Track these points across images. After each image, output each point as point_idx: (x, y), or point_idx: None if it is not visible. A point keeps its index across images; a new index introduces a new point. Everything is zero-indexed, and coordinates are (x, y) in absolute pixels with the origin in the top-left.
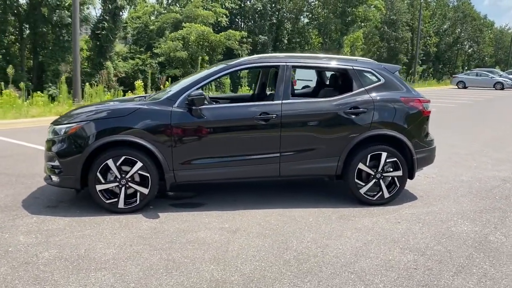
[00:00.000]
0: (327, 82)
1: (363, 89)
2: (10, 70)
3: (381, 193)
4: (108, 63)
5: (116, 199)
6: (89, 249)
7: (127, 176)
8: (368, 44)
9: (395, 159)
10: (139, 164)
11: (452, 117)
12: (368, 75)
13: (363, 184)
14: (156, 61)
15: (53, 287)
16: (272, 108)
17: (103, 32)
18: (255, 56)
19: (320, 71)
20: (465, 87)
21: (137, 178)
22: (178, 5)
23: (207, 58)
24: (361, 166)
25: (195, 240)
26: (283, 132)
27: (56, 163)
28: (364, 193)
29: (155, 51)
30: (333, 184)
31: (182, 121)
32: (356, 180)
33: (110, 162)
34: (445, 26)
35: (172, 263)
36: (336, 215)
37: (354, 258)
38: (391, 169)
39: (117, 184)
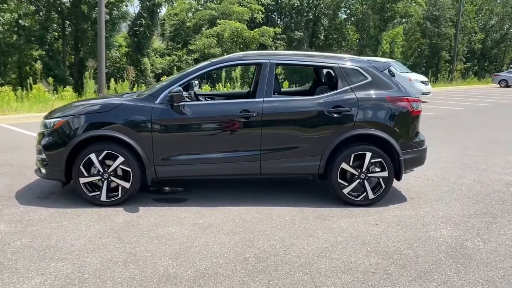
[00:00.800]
0: (323, 80)
1: (348, 87)
2: (38, 65)
3: (365, 193)
4: (145, 59)
5: (98, 192)
6: (60, 239)
7: (109, 170)
8: (408, 40)
9: (380, 159)
10: (120, 159)
11: (479, 117)
12: (355, 73)
13: (347, 184)
14: (192, 58)
15: (12, 274)
16: (253, 106)
17: (140, 29)
18: (239, 53)
19: (316, 69)
20: (507, 86)
21: (119, 172)
22: (214, 2)
23: None
24: (344, 166)
25: (164, 235)
26: (264, 130)
27: (43, 155)
28: (348, 193)
29: (190, 47)
30: (320, 184)
31: (162, 117)
32: (339, 180)
33: (92, 156)
34: (492, 22)
35: (132, 257)
36: (315, 215)
37: (315, 258)
38: (377, 170)
39: (99, 177)
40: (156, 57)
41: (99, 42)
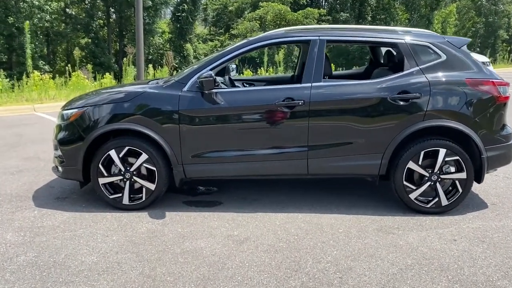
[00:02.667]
0: (382, 61)
1: (417, 68)
2: (76, 52)
3: (437, 199)
4: (188, 45)
5: (120, 194)
6: (70, 254)
7: (132, 169)
8: (462, 20)
9: (457, 157)
10: (144, 156)
11: None
12: (425, 50)
13: (414, 187)
14: (234, 43)
15: None
16: (299, 93)
17: (183, 14)
18: (281, 29)
19: (373, 48)
20: None
21: (143, 172)
22: None
23: None
24: (411, 165)
25: (191, 250)
26: (312, 121)
27: (59, 152)
28: (415, 198)
29: (232, 32)
30: (380, 187)
31: (191, 107)
32: (405, 183)
33: (112, 153)
34: None
35: (151, 282)
36: (375, 226)
37: None
38: (452, 170)
39: (121, 177)
40: (199, 43)
41: (137, 26)
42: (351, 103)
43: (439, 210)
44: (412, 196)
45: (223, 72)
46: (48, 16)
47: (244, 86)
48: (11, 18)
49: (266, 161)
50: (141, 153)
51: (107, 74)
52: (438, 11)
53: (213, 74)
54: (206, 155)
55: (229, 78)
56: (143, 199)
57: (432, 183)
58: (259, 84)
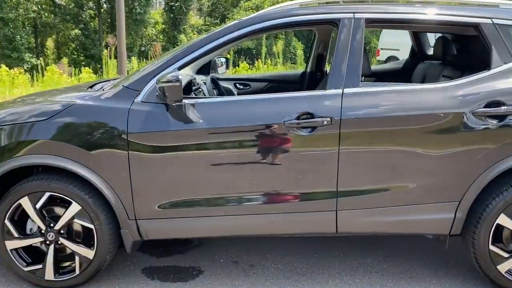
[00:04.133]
0: (430, 52)
1: None
2: (50, 44)
3: None
4: (182, 36)
5: (41, 265)
6: None
7: (57, 227)
8: None
9: None
10: (75, 207)
11: None
12: None
13: (507, 255)
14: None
15: None
16: (322, 105)
17: (176, 4)
18: (288, 3)
19: (417, 32)
20: None
21: (77, 230)
22: None
23: None
24: (504, 220)
25: None
26: (345, 152)
27: None
28: (508, 271)
29: (227, 22)
30: (450, 249)
31: (148, 129)
32: (492, 248)
33: (25, 202)
34: None
35: None
36: None
37: None
38: None
39: (41, 239)
40: (194, 34)
41: (118, 12)
42: (409, 123)
43: None
44: (502, 268)
45: (208, 68)
46: (34, 6)
47: (237, 89)
48: None
49: (268, 215)
50: (71, 202)
51: (86, 68)
52: None
53: (181, 76)
54: (174, 205)
55: (213, 80)
56: (76, 272)
57: None
58: (258, 85)
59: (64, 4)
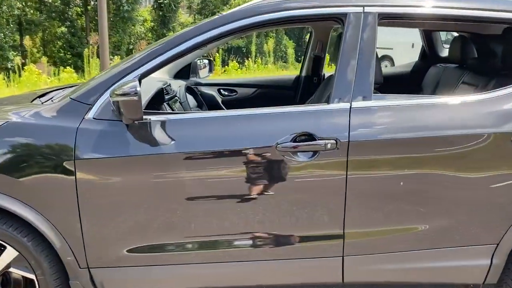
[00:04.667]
0: (443, 53)
1: None
2: (27, 42)
3: None
4: (171, 34)
5: None
6: None
7: None
8: None
9: None
10: (10, 253)
11: None
12: None
13: None
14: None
15: None
16: (326, 123)
17: (165, 2)
18: None
19: (428, 32)
20: None
21: (18, 279)
22: None
23: None
24: None
25: None
26: (354, 181)
27: None
28: None
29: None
30: None
31: (100, 154)
32: None
33: None
34: None
35: None
36: None
37: None
38: None
39: None
40: None
41: (99, 8)
42: (434, 145)
43: None
44: None
45: (187, 72)
46: (19, 3)
47: (221, 96)
48: None
49: (260, 262)
50: (5, 247)
51: (68, 68)
52: None
53: (138, 87)
54: (139, 250)
55: (188, 88)
56: None
57: None
58: (245, 92)
59: (50, 1)
